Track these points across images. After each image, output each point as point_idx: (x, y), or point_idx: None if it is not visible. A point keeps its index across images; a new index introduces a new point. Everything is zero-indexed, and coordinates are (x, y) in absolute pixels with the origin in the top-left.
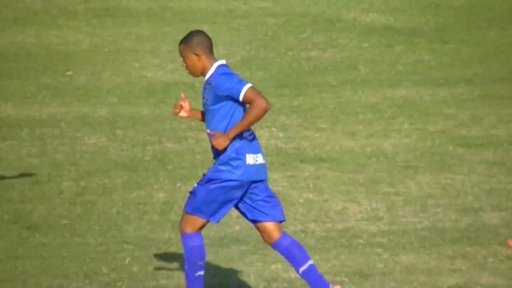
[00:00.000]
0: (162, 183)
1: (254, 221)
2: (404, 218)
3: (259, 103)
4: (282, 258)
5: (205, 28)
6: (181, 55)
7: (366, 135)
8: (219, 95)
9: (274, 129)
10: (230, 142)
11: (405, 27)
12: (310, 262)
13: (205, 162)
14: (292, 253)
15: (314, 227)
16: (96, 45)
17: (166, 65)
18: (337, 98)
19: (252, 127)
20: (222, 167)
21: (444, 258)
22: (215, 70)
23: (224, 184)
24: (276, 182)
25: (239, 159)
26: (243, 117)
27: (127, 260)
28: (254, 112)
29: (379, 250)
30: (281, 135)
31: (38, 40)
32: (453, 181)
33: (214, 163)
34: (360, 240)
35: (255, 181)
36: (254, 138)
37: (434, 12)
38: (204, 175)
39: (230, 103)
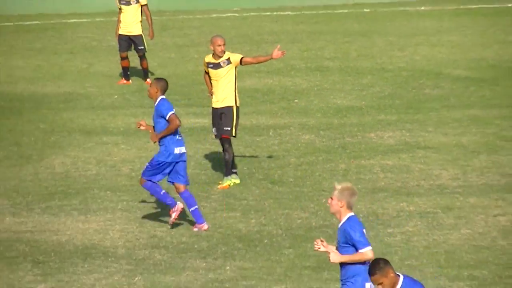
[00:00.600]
0: None
1: (172, 182)
2: None
3: (173, 123)
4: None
5: None
6: None
7: None
8: (160, 116)
9: None
10: (161, 140)
11: None
12: (195, 206)
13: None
14: (187, 199)
15: None
16: None
17: None
18: None
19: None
20: (160, 153)
21: None
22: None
23: (160, 162)
24: None
25: (168, 150)
26: (165, 128)
27: None
28: (169, 126)
29: None
30: None
31: None
32: None
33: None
34: None
35: (177, 162)
36: (180, 138)
37: None
38: (152, 158)
39: (163, 121)
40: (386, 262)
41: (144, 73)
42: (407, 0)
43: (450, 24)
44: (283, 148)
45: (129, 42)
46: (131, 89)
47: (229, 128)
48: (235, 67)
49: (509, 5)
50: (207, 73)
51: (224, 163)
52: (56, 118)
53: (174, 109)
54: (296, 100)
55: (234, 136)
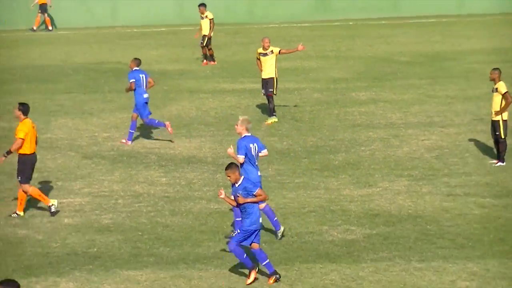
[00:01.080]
0: None
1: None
2: None
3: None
4: None
5: None
6: None
7: None
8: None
9: None
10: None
11: None
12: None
13: None
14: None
15: None
16: None
17: None
18: None
19: None
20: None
21: None
22: None
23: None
24: None
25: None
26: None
27: None
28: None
29: None
30: None
31: None
32: None
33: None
34: None
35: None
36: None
37: None
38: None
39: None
40: (236, 165)
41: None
42: (380, 17)
43: (400, 30)
44: (302, 101)
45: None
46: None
47: (271, 90)
48: (276, 55)
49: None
50: (258, 59)
51: (268, 109)
52: None
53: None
54: (310, 74)
55: (275, 94)
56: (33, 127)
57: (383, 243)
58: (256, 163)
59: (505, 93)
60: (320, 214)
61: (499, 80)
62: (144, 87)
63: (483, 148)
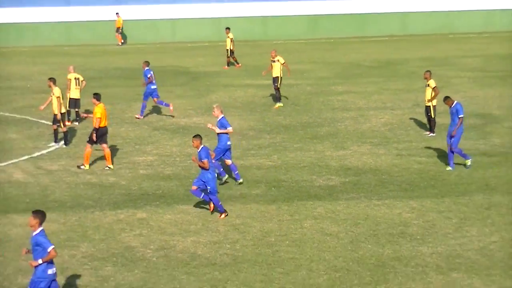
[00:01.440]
0: None
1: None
2: None
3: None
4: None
5: None
6: None
7: None
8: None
9: None
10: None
11: None
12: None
13: None
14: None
15: None
16: None
17: None
18: None
19: None
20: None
21: None
22: None
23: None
24: None
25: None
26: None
27: None
28: None
29: None
30: None
31: None
32: None
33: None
34: None
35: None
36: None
37: None
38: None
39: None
40: (200, 136)
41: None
42: (352, 36)
43: (365, 45)
44: (299, 92)
45: None
46: None
47: (277, 84)
48: (280, 64)
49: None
50: (270, 64)
51: (276, 98)
52: None
53: None
54: (304, 74)
55: (279, 87)
56: (105, 109)
57: (353, 188)
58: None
59: (434, 87)
60: (311, 168)
61: (430, 78)
62: (153, 80)
63: (420, 124)
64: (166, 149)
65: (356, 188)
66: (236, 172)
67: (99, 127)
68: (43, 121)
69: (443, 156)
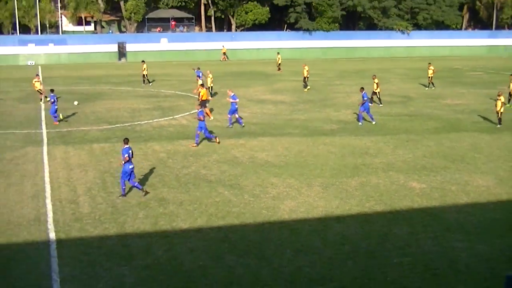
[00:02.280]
0: None
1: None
2: None
3: None
4: None
5: None
6: None
7: None
8: None
9: None
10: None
11: None
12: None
13: None
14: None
15: None
16: None
17: None
18: None
19: None
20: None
21: None
22: None
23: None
24: None
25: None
26: None
27: None
28: None
29: None
30: None
31: None
32: None
33: None
34: None
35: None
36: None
37: None
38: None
39: None
40: (203, 104)
41: None
42: (342, 57)
43: (354, 62)
44: (318, 83)
45: None
46: None
47: (306, 79)
48: (307, 70)
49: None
50: (302, 70)
51: (304, 85)
52: None
53: None
54: (320, 75)
55: (307, 80)
56: (206, 90)
57: (342, 130)
58: None
59: (377, 82)
60: (322, 120)
61: (375, 78)
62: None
63: (373, 101)
64: (257, 111)
65: (344, 130)
66: (240, 121)
67: (202, 100)
68: (196, 96)
69: (383, 113)
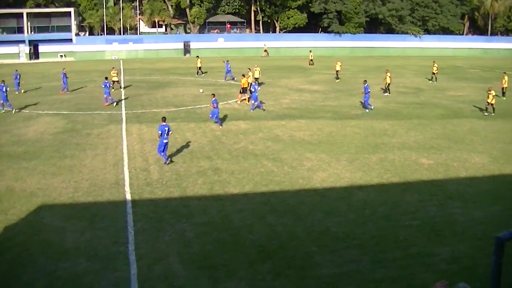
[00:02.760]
0: None
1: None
2: None
3: None
4: None
5: None
6: None
7: None
8: None
9: None
10: None
11: None
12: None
13: None
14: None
15: None
16: None
17: None
18: None
19: None
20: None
21: None
22: None
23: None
24: None
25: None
26: None
27: None
28: None
29: None
30: None
31: None
32: None
33: None
34: None
35: None
36: None
37: None
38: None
39: None
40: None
41: None
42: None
43: (373, 59)
44: (345, 76)
45: None
46: None
47: (337, 70)
48: (339, 65)
49: None
50: (335, 65)
51: (336, 77)
52: None
53: None
54: (347, 70)
55: (338, 73)
56: (246, 80)
57: (366, 115)
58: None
59: (389, 76)
60: (349, 107)
61: (388, 73)
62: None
63: (386, 90)
64: (296, 98)
65: (367, 115)
66: (260, 104)
67: (244, 87)
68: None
69: (399, 102)
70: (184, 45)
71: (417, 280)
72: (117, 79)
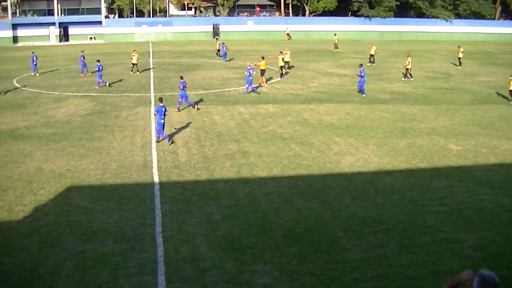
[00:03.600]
0: None
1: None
2: None
3: None
4: None
5: None
6: None
7: None
8: None
9: None
10: None
11: None
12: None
13: None
14: None
15: None
16: None
17: None
18: None
19: None
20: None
21: None
22: None
23: None
24: None
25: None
26: None
27: None
28: None
29: None
30: None
31: None
32: None
33: None
34: None
35: None
36: None
37: None
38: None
39: None
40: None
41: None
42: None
43: (404, 43)
44: (377, 60)
45: None
46: None
47: (372, 56)
48: (374, 48)
49: None
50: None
51: (370, 61)
52: None
53: None
54: (379, 54)
55: (373, 57)
56: (264, 62)
57: (395, 100)
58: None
59: (409, 60)
60: (379, 91)
61: (408, 57)
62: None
63: (412, 74)
64: (324, 82)
65: (395, 100)
66: (254, 88)
67: (262, 70)
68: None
69: (428, 87)
70: (213, 28)
71: (444, 267)
72: (136, 62)
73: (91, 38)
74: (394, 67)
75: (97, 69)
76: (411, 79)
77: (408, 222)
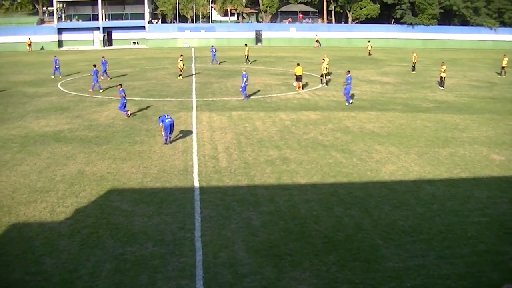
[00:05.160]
0: None
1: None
2: None
3: None
4: None
5: None
6: None
7: None
8: None
9: None
10: None
11: None
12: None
13: None
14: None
15: None
16: None
17: None
18: None
19: None
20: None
21: None
22: None
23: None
24: None
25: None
26: None
27: None
28: None
29: None
30: None
31: None
32: None
33: None
34: None
35: None
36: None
37: None
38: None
39: None
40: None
41: None
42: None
43: (447, 52)
44: (419, 69)
45: None
46: None
47: (414, 64)
48: (415, 56)
49: None
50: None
51: (412, 67)
52: None
53: None
54: (421, 62)
55: (415, 65)
56: (299, 68)
57: (437, 109)
58: None
59: (444, 69)
60: (420, 100)
61: (443, 65)
62: None
63: (440, 83)
64: (366, 89)
65: (438, 109)
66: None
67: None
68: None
69: (471, 96)
70: (256, 34)
71: (484, 278)
72: (181, 67)
73: (134, 43)
74: (436, 76)
75: (92, 73)
76: (441, 88)
77: (448, 232)
